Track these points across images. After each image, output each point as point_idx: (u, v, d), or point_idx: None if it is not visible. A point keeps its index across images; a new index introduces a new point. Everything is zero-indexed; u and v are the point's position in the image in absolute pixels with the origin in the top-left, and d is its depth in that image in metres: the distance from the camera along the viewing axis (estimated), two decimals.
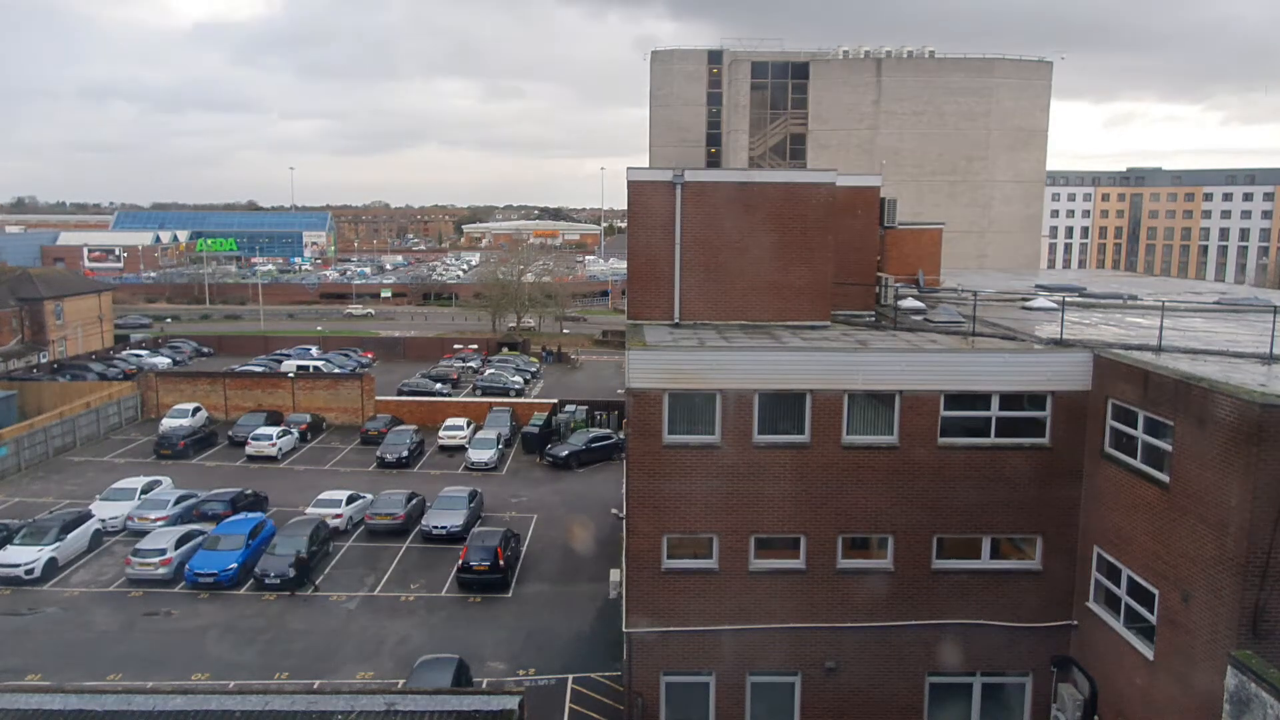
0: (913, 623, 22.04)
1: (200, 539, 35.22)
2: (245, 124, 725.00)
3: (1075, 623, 21.82)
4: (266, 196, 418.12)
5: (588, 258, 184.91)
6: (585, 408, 57.84)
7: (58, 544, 34.80)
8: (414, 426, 54.13)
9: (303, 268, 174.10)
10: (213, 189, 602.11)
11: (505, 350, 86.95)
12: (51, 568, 34.22)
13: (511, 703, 13.05)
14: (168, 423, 55.09)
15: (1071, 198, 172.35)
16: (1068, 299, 31.58)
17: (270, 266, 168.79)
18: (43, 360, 71.97)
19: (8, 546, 34.41)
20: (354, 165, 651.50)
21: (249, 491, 41.97)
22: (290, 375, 63.99)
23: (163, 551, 33.73)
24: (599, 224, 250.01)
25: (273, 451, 50.67)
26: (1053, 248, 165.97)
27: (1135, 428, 19.44)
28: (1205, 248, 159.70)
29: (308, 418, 56.28)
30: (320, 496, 40.55)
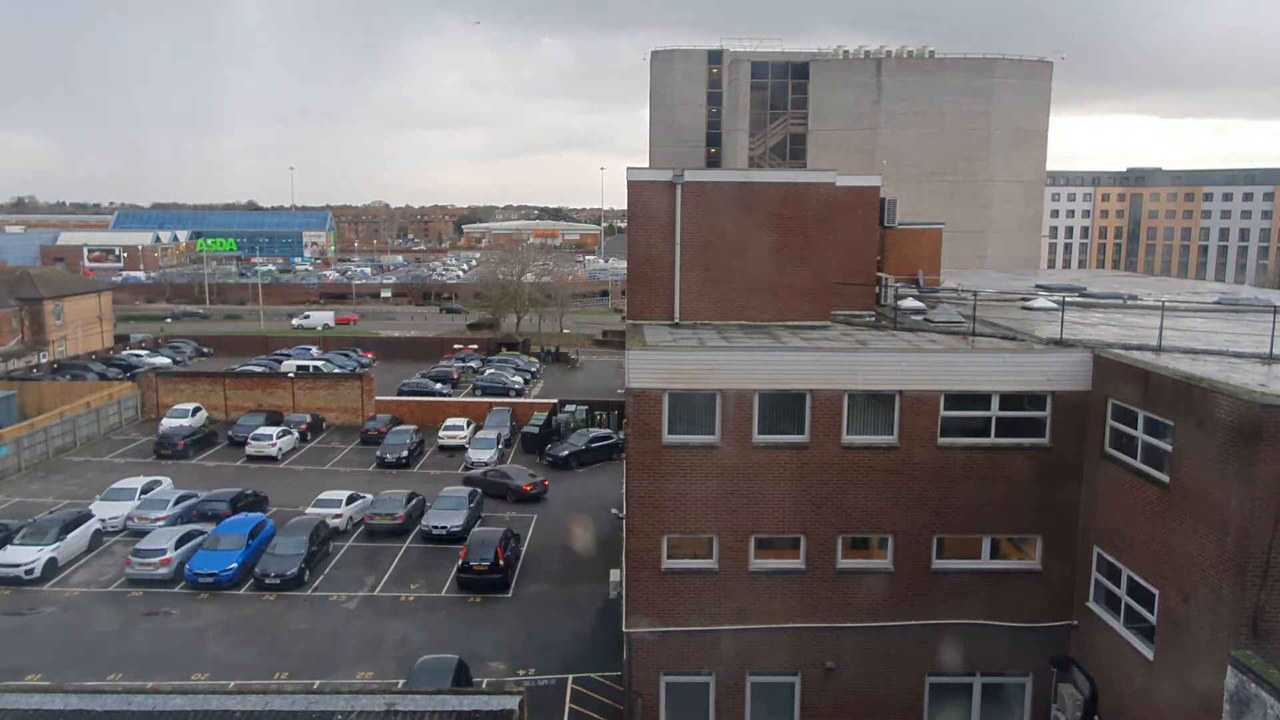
0: (913, 623, 22.04)
1: (200, 539, 35.22)
2: (440, 139, 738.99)
3: (1075, 623, 21.81)
4: (266, 197, 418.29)
5: (588, 258, 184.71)
6: (585, 408, 57.85)
7: (58, 544, 34.81)
8: (414, 426, 54.12)
9: (303, 268, 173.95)
10: (213, 189, 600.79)
11: (505, 350, 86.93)
12: (51, 568, 34.23)
13: (511, 703, 13.07)
14: (168, 423, 55.10)
15: (1071, 198, 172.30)
16: (1068, 299, 31.54)
17: (270, 266, 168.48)
18: (43, 360, 71.99)
19: (8, 546, 34.42)
20: (475, 168, 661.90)
21: (249, 491, 41.97)
22: (290, 375, 64.02)
23: (163, 551, 33.74)
24: (599, 224, 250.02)
25: (273, 451, 50.67)
26: (1053, 248, 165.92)
27: (1135, 428, 19.43)
28: (1205, 248, 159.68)
29: (308, 418, 56.28)
30: (320, 496, 40.54)
